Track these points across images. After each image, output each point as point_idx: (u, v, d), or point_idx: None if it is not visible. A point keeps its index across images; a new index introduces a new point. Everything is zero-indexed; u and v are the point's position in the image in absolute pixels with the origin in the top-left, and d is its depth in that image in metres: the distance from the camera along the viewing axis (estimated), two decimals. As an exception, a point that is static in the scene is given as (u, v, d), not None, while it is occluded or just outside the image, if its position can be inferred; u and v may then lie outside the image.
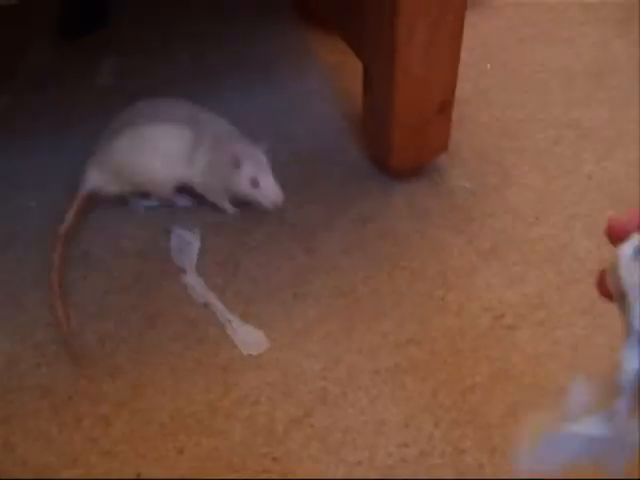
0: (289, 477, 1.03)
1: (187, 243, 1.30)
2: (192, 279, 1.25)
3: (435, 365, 1.13)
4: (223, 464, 1.05)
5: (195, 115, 1.28)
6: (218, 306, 1.21)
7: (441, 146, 1.36)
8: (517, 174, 1.42)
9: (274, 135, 1.43)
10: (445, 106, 1.29)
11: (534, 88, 1.63)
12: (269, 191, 1.24)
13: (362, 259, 1.27)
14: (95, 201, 1.32)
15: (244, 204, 1.31)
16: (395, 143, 1.30)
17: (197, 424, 1.08)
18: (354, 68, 1.42)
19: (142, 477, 1.02)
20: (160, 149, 1.27)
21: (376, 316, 1.19)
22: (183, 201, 1.37)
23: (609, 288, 0.48)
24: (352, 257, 1.27)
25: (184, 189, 1.34)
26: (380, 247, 1.29)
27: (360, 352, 1.15)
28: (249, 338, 1.17)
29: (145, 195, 1.35)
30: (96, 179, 1.30)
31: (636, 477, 0.49)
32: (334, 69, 1.67)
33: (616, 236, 0.51)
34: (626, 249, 0.48)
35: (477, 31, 1.76)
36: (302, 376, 1.13)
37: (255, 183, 1.24)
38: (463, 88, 1.50)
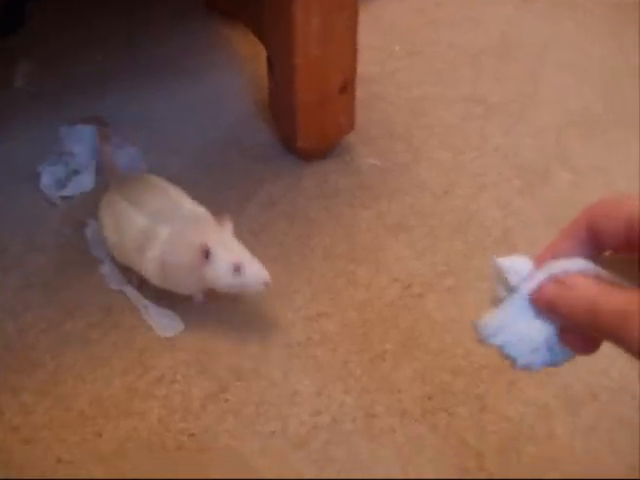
0: (205, 452, 1.05)
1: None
2: (108, 268, 1.27)
3: (345, 336, 1.17)
4: (142, 444, 1.07)
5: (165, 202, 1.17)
6: (132, 292, 1.23)
7: (347, 126, 1.39)
8: (426, 150, 1.46)
9: (189, 125, 1.46)
10: (346, 86, 1.33)
11: (442, 67, 1.67)
12: (254, 272, 1.08)
13: (272, 241, 1.30)
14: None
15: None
16: (300, 124, 1.33)
17: (115, 407, 1.10)
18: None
19: (62, 461, 1.03)
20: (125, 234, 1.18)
21: (288, 293, 1.22)
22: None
23: None
24: (262, 239, 1.30)
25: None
26: (290, 228, 1.31)
27: (272, 328, 1.18)
28: (164, 321, 1.19)
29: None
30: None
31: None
32: (248, 60, 1.70)
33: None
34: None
35: (385, 14, 1.80)
36: (216, 354, 1.15)
37: (237, 269, 1.07)
38: (372, 70, 1.55)
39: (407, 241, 1.29)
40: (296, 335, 1.17)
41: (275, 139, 1.47)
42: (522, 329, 0.49)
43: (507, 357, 0.50)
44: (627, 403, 1.10)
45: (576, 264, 0.46)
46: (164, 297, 1.21)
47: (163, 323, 1.19)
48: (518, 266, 0.49)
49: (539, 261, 0.48)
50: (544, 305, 0.46)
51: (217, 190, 1.38)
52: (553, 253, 0.48)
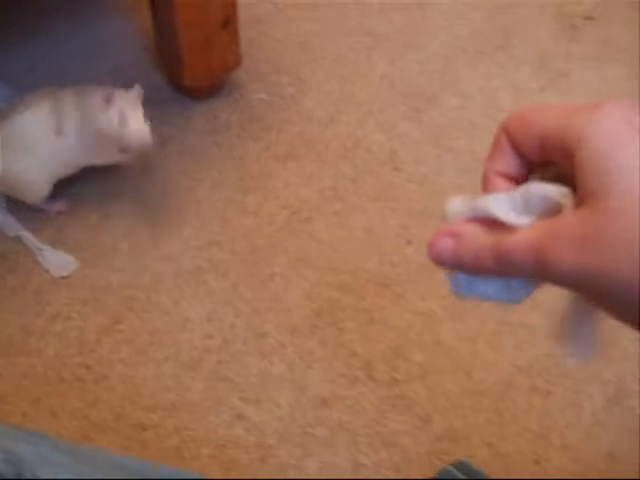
0: (101, 382, 1.08)
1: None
2: (2, 216, 1.27)
3: (235, 262, 1.19)
4: (39, 379, 1.09)
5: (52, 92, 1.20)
6: (29, 237, 1.24)
7: (233, 61, 1.41)
8: (313, 82, 1.48)
9: (76, 70, 1.46)
10: (228, 22, 1.34)
11: (330, 3, 1.68)
12: (136, 129, 1.14)
13: (162, 178, 1.31)
14: None
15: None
16: (185, 61, 1.34)
17: (12, 346, 1.12)
18: None
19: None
20: (26, 142, 1.19)
21: (177, 225, 1.24)
22: (57, 206, 1.29)
23: None
24: (152, 177, 1.31)
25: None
26: (179, 164, 1.33)
27: (163, 259, 1.20)
28: (59, 261, 1.21)
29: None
30: None
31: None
32: (138, 5, 1.69)
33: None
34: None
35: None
36: (110, 289, 1.17)
37: (123, 120, 1.13)
38: (262, 7, 1.55)
39: (295, 169, 1.32)
40: (186, 264, 1.19)
41: (164, 83, 1.48)
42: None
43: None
44: (510, 307, 1.13)
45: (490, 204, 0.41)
46: (60, 240, 1.22)
47: (58, 264, 1.20)
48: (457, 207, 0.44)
49: (484, 182, 0.44)
50: (439, 260, 0.43)
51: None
52: (493, 172, 0.44)
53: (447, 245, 0.42)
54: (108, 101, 1.13)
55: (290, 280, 1.15)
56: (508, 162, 0.43)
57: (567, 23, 1.58)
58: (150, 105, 1.35)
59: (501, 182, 0.43)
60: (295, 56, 1.53)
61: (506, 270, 0.40)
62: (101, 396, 1.06)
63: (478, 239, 0.40)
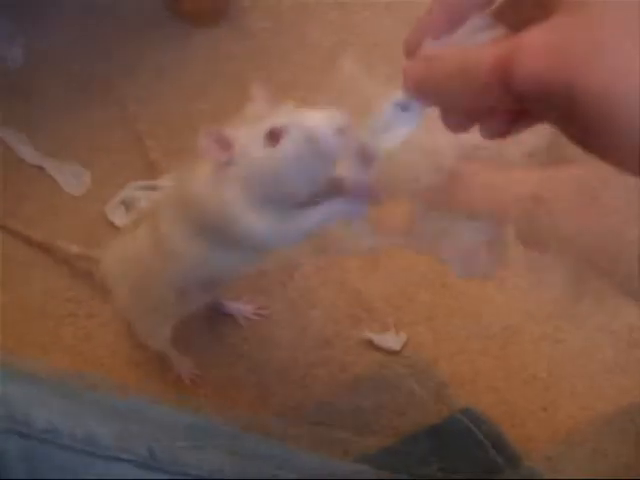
0: (95, 318, 1.03)
1: None
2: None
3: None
4: (26, 315, 1.04)
5: None
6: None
7: (235, -13, 1.34)
8: (317, 11, 1.42)
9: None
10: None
11: None
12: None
13: (160, 107, 1.25)
14: None
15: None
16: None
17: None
18: None
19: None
20: None
21: (173, 153, 1.19)
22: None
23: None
24: (150, 107, 1.26)
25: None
26: (178, 94, 1.27)
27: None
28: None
29: None
30: None
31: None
32: None
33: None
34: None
35: None
36: (103, 220, 1.12)
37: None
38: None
39: (299, 99, 1.25)
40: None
41: (162, 6, 1.41)
42: None
43: None
44: (519, 250, 1.10)
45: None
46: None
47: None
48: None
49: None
50: (413, 86, 0.42)
51: (102, 59, 1.33)
52: (444, 6, 0.44)
53: (420, 70, 0.41)
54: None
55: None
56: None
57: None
58: (148, 31, 1.30)
59: (442, 19, 0.43)
60: (298, -17, 1.46)
61: (473, 89, 0.37)
62: (94, 332, 1.02)
63: (447, 60, 0.39)
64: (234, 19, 1.40)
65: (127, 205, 1.13)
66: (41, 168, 1.19)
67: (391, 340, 1.00)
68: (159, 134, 1.22)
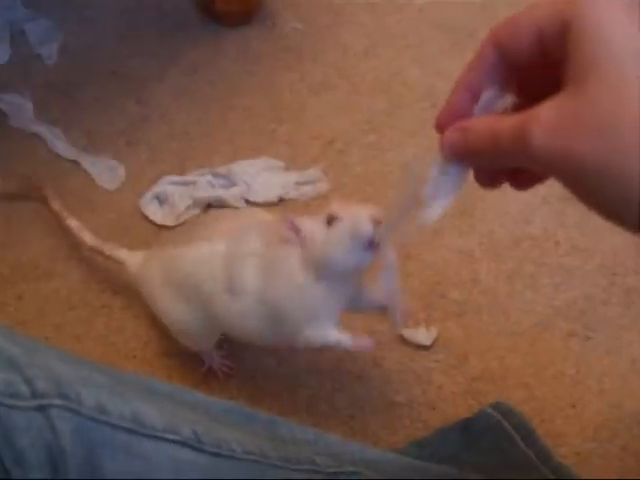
0: (128, 310, 1.05)
1: (18, 106, 1.27)
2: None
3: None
4: (62, 304, 1.05)
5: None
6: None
7: (267, -12, 1.36)
8: (348, 13, 1.44)
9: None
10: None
11: None
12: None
13: (193, 104, 1.27)
14: None
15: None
16: (218, -15, 1.30)
17: (35, 270, 1.09)
18: None
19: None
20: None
21: (207, 154, 1.20)
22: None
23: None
24: (183, 104, 1.27)
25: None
26: (211, 91, 1.29)
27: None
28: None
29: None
30: None
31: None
32: None
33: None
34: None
35: None
36: (137, 215, 1.13)
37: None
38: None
39: (329, 100, 1.27)
40: (217, 192, 1.15)
41: (194, 6, 1.43)
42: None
43: None
44: (549, 249, 1.10)
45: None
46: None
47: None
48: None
49: (451, 93, 0.50)
50: (449, 151, 0.47)
51: (137, 57, 1.35)
52: (465, 86, 0.49)
53: (458, 138, 0.46)
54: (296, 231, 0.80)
55: (322, 211, 1.10)
56: (486, 69, 0.47)
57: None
58: (179, 29, 1.31)
59: (465, 97, 0.48)
60: (330, -15, 1.47)
61: (499, 154, 0.43)
62: (127, 324, 1.03)
63: (479, 129, 0.44)
64: (265, 19, 1.42)
65: (161, 200, 1.14)
66: (76, 163, 1.20)
67: (422, 335, 1.00)
68: (192, 131, 1.23)
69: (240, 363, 0.99)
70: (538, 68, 0.45)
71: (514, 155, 0.41)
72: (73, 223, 1.05)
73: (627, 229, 0.39)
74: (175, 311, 0.91)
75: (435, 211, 0.52)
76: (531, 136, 0.39)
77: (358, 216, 0.74)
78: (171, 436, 0.58)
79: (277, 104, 1.26)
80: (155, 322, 1.00)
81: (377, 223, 0.73)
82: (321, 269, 0.78)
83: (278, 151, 1.19)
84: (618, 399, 0.97)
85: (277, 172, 1.15)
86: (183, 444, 0.58)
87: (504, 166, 0.47)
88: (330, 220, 0.77)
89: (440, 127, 0.49)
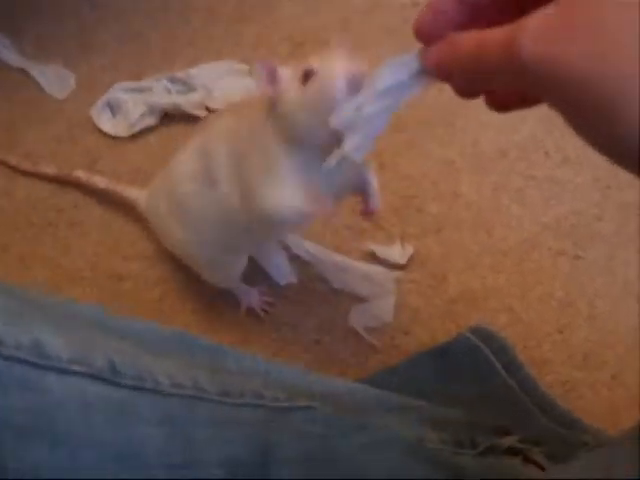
0: (76, 228, 0.96)
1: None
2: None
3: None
4: (7, 225, 0.97)
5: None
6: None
7: None
8: None
9: None
10: None
11: None
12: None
13: (151, 4, 1.17)
14: None
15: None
16: None
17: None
18: None
19: None
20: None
21: (166, 59, 1.10)
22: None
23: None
24: (140, 3, 1.17)
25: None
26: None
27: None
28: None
29: None
30: None
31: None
32: None
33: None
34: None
35: None
36: (89, 125, 1.04)
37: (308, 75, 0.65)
38: None
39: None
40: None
41: None
42: None
43: None
44: (537, 160, 1.01)
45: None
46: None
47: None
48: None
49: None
50: (436, 64, 0.44)
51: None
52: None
53: (444, 51, 0.43)
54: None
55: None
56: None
57: None
58: None
59: None
60: None
61: (486, 68, 0.40)
62: (74, 243, 0.94)
63: (466, 43, 0.41)
64: None
65: (113, 108, 1.04)
66: (25, 72, 1.09)
67: (396, 253, 0.92)
68: (150, 33, 1.12)
69: (198, 285, 0.90)
70: None
71: (502, 69, 0.39)
72: (80, 174, 0.96)
73: (624, 167, 0.38)
74: (186, 242, 0.82)
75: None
76: (520, 44, 0.37)
77: (331, 70, 0.62)
78: (78, 368, 0.49)
79: (243, 3, 1.15)
80: (105, 241, 0.91)
81: (355, 81, 0.59)
82: (292, 138, 0.67)
83: (243, 54, 1.09)
84: (610, 325, 0.88)
85: (241, 76, 1.04)
86: (94, 377, 0.50)
87: (489, 85, 0.44)
88: (306, 76, 0.64)
89: (420, 33, 0.46)
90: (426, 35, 0.45)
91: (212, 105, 1.02)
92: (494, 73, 0.40)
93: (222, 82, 1.04)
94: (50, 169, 0.98)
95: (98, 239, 0.94)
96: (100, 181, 0.95)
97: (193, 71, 1.04)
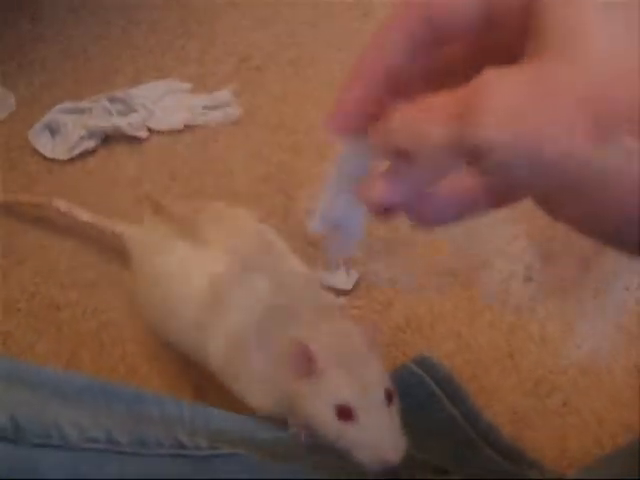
0: (11, 256, 0.93)
1: None
2: None
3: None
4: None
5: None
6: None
7: None
8: None
9: None
10: None
11: None
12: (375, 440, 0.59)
13: (92, 18, 1.13)
14: None
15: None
16: None
17: None
18: None
19: None
20: None
21: (107, 75, 1.06)
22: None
23: None
24: (81, 17, 1.13)
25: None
26: (112, 3, 1.14)
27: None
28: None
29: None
30: None
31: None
32: None
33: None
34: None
35: None
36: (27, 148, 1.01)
37: (347, 414, 0.59)
38: None
39: (246, 10, 1.13)
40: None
41: None
42: None
43: None
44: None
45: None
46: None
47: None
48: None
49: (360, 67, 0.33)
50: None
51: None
52: (378, 54, 0.32)
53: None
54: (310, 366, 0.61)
55: (234, 138, 0.98)
56: (403, 42, 0.31)
57: None
58: None
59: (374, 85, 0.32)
60: None
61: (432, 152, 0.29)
62: (11, 272, 0.91)
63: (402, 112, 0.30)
64: None
65: (52, 130, 1.01)
66: (-39, 93, 1.07)
67: (341, 279, 0.88)
68: (90, 49, 1.09)
69: (135, 314, 0.86)
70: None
71: (453, 150, 0.28)
72: (61, 203, 0.90)
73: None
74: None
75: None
76: (480, 127, 0.27)
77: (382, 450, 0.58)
78: None
79: (187, 16, 1.12)
80: (41, 270, 0.88)
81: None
82: None
83: (187, 70, 1.06)
84: (561, 348, 0.85)
85: (182, 95, 1.01)
86: None
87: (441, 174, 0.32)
88: (341, 413, 0.59)
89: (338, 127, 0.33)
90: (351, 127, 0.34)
91: (154, 126, 0.99)
92: (442, 158, 0.30)
93: (163, 102, 1.00)
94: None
95: (35, 268, 0.91)
96: (82, 214, 0.90)
97: (133, 91, 1.01)
